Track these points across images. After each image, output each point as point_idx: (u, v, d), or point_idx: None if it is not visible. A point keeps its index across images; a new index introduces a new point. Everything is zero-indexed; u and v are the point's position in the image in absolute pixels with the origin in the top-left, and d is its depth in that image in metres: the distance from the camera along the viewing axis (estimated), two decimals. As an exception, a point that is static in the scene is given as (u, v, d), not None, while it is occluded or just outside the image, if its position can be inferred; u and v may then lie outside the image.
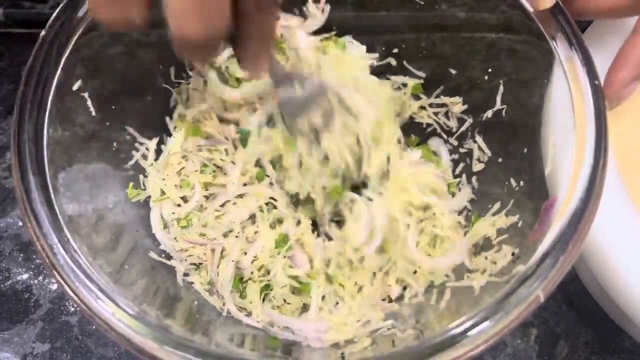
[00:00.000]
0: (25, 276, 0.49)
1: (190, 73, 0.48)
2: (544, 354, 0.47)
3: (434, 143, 0.50)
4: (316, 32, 0.49)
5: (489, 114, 0.44)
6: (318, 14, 0.48)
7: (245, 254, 0.43)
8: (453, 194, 0.47)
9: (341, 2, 0.48)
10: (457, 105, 0.48)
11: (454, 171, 0.48)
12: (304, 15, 0.49)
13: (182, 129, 0.47)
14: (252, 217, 0.45)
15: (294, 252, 0.43)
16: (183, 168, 0.46)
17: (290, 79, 0.40)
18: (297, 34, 0.48)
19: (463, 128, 0.48)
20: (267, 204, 0.45)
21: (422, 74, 0.50)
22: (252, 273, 0.42)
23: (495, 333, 0.29)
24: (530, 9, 0.37)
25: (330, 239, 0.44)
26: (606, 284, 0.40)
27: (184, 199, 0.45)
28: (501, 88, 0.43)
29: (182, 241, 0.43)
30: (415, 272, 0.43)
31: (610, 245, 0.39)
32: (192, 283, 0.42)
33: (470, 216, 0.45)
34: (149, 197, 0.45)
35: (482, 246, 0.41)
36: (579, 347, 0.48)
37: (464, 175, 0.47)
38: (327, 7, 0.48)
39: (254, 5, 0.30)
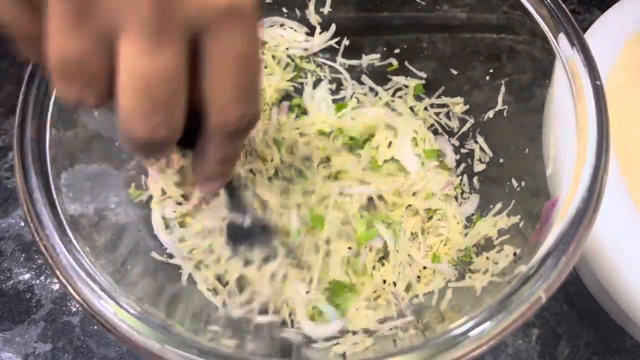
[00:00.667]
0: (27, 276, 0.49)
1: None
2: (545, 354, 0.47)
3: (440, 141, 0.50)
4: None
5: (490, 114, 0.44)
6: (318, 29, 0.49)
7: None
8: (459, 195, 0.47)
9: (343, 2, 0.48)
10: (458, 105, 0.48)
11: (455, 171, 0.49)
12: (304, 21, 0.49)
13: None
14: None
15: None
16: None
17: (244, 209, 0.40)
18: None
19: (464, 128, 0.48)
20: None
21: (423, 74, 0.50)
22: None
23: (497, 333, 0.29)
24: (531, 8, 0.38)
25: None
26: (607, 284, 0.40)
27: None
28: (503, 88, 0.43)
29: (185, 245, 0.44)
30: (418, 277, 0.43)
31: (612, 246, 0.39)
32: (195, 283, 0.42)
33: (471, 216, 0.45)
34: (151, 197, 0.45)
35: (483, 246, 0.41)
36: (580, 347, 0.48)
37: (465, 176, 0.47)
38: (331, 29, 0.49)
39: (219, 128, 0.27)
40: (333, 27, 0.49)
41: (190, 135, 0.28)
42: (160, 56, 0.22)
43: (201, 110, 0.26)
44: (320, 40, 0.50)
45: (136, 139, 0.25)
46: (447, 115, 0.49)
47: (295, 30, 0.50)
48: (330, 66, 0.52)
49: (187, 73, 0.24)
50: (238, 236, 0.42)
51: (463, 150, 0.48)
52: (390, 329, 0.38)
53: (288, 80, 0.52)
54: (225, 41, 0.24)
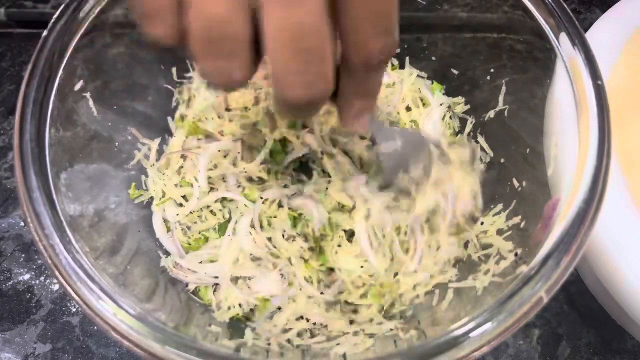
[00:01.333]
0: (26, 276, 0.49)
1: (192, 74, 0.48)
2: (546, 354, 0.47)
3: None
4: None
5: (491, 114, 0.44)
6: None
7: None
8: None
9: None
10: (459, 105, 0.48)
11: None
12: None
13: (182, 128, 0.47)
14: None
15: None
16: (182, 167, 0.46)
17: (392, 134, 0.38)
18: None
19: (465, 128, 0.48)
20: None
21: (424, 74, 0.50)
22: None
23: (498, 334, 0.29)
24: (532, 8, 0.37)
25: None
26: (608, 285, 0.40)
27: (185, 198, 0.45)
28: (504, 88, 0.43)
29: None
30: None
31: (613, 246, 0.39)
32: (196, 285, 0.42)
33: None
34: (152, 198, 0.45)
35: (484, 246, 0.41)
36: (581, 347, 0.48)
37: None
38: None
39: (362, 63, 0.27)
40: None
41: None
42: (304, 5, 0.22)
43: (342, 49, 0.26)
44: None
45: (296, 98, 0.25)
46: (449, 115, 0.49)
47: None
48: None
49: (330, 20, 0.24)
50: None
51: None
52: (391, 329, 0.38)
53: None
54: None
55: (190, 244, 0.44)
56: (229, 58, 0.24)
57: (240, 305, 0.41)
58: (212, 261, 0.43)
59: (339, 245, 0.42)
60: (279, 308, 0.41)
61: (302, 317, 0.41)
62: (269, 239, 0.43)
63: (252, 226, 0.43)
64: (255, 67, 0.26)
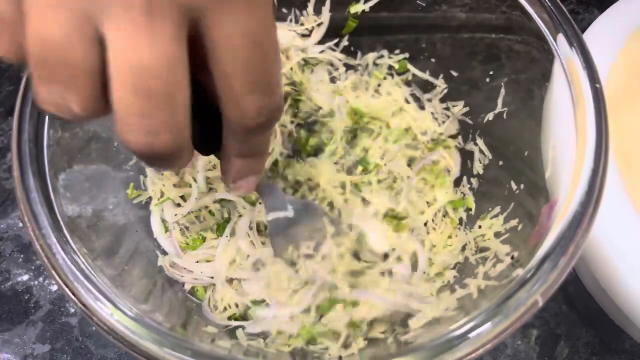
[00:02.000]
0: (25, 277, 0.49)
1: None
2: (544, 354, 0.47)
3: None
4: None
5: (490, 116, 0.44)
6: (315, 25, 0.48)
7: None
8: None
9: (342, 3, 0.48)
10: (457, 107, 0.48)
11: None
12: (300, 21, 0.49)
13: None
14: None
15: None
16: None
17: (284, 202, 0.37)
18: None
19: (464, 130, 0.48)
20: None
21: (423, 74, 0.50)
22: None
23: (495, 336, 0.29)
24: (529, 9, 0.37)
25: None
26: (606, 285, 0.40)
27: (184, 198, 0.45)
28: (502, 90, 0.43)
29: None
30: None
31: (611, 246, 0.39)
32: (192, 285, 0.42)
33: (471, 217, 0.45)
34: (150, 198, 0.45)
35: (481, 249, 0.41)
36: (580, 347, 0.48)
37: (464, 178, 0.47)
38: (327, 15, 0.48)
39: (238, 125, 0.24)
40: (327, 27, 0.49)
41: (216, 136, 0.26)
42: (154, 42, 0.20)
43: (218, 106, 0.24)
44: (318, 40, 0.50)
45: (136, 145, 0.22)
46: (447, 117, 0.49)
47: (294, 32, 0.50)
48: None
49: (188, 64, 0.21)
50: (279, 230, 0.39)
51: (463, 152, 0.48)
52: (388, 330, 0.38)
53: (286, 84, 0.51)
54: (228, 23, 0.21)
55: (188, 244, 0.44)
56: (67, 87, 0.21)
57: (237, 305, 0.41)
58: (208, 261, 0.43)
59: None
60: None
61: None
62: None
63: (251, 228, 0.43)
64: (105, 102, 0.22)
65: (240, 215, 0.44)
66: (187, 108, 0.22)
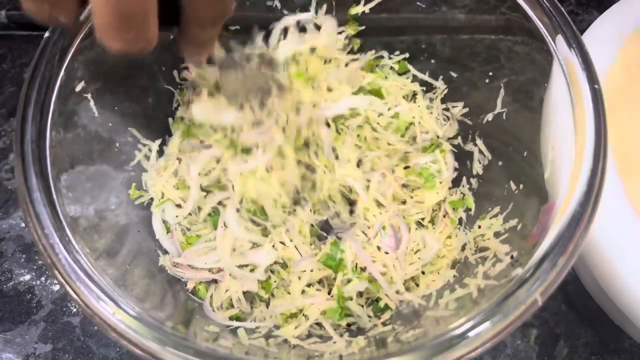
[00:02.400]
0: (27, 277, 0.49)
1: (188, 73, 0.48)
2: (543, 354, 0.47)
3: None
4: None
5: (489, 117, 0.44)
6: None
7: None
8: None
9: (342, 4, 0.48)
10: (457, 108, 0.48)
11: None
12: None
13: (179, 130, 0.48)
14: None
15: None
16: (177, 170, 0.47)
17: (233, 60, 0.41)
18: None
19: (463, 131, 0.48)
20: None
21: (424, 76, 0.50)
22: None
23: (494, 335, 0.29)
24: (529, 10, 0.38)
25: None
26: (606, 285, 0.40)
27: (184, 200, 0.45)
28: (502, 91, 0.43)
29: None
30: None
31: (610, 247, 0.40)
32: (195, 283, 0.43)
33: (471, 217, 0.45)
34: (152, 199, 0.45)
35: (481, 249, 0.41)
36: (579, 347, 0.48)
37: (464, 178, 0.47)
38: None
39: (198, 27, 0.31)
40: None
41: (175, 9, 0.30)
42: None
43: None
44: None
45: (116, 50, 0.27)
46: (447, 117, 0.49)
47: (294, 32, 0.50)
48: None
49: None
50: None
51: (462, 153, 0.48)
52: (388, 329, 0.38)
53: None
54: None
55: (189, 244, 0.44)
56: (52, 6, 0.27)
57: (239, 299, 0.41)
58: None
59: None
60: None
61: (300, 312, 0.41)
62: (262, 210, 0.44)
63: (238, 210, 0.44)
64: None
65: (224, 206, 0.44)
66: (155, 22, 0.27)
